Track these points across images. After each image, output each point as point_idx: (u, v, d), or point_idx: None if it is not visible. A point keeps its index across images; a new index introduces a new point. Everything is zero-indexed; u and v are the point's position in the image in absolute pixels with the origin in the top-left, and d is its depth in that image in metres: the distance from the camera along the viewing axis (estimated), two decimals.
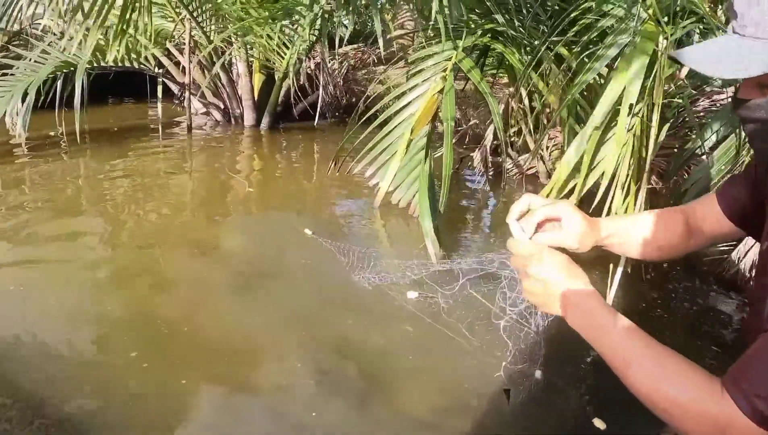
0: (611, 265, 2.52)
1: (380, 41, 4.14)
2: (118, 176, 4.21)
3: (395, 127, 3.45)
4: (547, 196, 2.45)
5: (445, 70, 3.32)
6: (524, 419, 1.97)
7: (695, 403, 0.90)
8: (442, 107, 3.21)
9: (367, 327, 2.43)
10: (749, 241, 3.14)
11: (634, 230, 1.32)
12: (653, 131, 2.38)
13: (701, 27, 2.61)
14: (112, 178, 4.13)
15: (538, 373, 2.14)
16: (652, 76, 2.38)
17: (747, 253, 3.15)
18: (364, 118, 3.61)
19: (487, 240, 3.64)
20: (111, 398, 1.93)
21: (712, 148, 3.12)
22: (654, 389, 0.94)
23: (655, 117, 2.37)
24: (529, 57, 3.23)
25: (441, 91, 3.26)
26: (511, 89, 4.19)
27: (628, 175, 2.48)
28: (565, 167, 2.48)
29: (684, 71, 3.41)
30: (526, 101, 3.72)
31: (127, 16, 4.49)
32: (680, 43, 2.86)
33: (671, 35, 2.38)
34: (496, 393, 2.05)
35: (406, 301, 2.59)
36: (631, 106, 2.40)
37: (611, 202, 2.46)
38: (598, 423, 1.90)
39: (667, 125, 3.12)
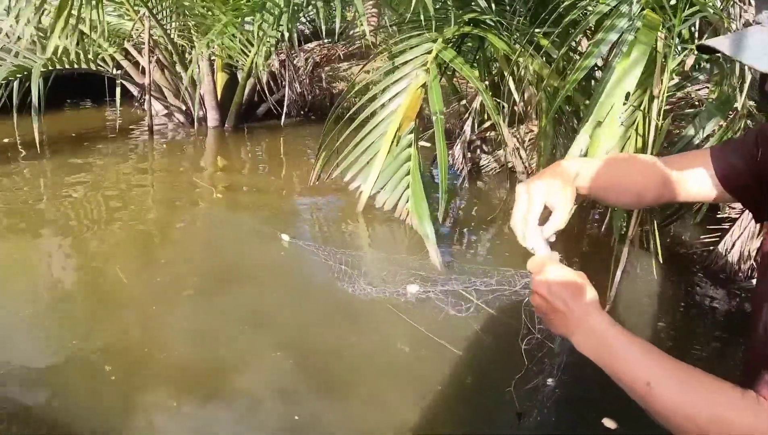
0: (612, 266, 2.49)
1: (367, 31, 4.01)
2: (77, 184, 3.98)
3: (375, 125, 3.32)
4: None
5: (426, 63, 3.21)
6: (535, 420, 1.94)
7: (734, 419, 0.86)
8: (430, 100, 3.10)
9: (357, 336, 2.37)
10: (735, 232, 3.13)
11: (611, 177, 1.25)
12: (653, 124, 2.31)
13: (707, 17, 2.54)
14: (70, 186, 3.91)
15: (550, 381, 2.08)
16: (656, 68, 2.31)
17: (734, 244, 3.13)
18: (345, 118, 3.49)
19: (479, 243, 3.54)
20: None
21: (708, 137, 3.08)
22: (683, 408, 0.89)
23: (655, 110, 2.30)
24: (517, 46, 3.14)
25: (423, 85, 3.14)
26: (486, 82, 4.09)
27: None
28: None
29: (689, 62, 3.36)
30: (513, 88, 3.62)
31: (71, 11, 4.23)
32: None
33: (675, 27, 2.31)
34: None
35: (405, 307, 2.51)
36: (627, 95, 2.32)
37: None
38: (609, 423, 1.88)
39: (669, 117, 3.07)
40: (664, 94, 2.28)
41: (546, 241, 1.13)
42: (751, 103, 2.68)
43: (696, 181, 1.22)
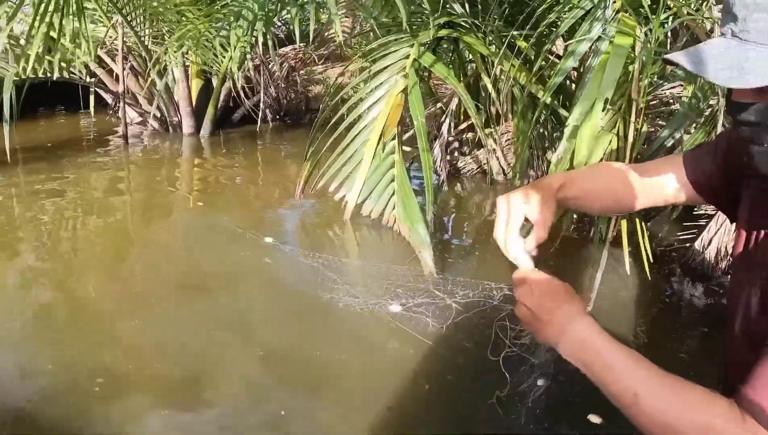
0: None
1: (339, 33, 3.99)
2: (50, 194, 3.92)
3: (358, 133, 3.31)
4: None
5: (404, 69, 3.20)
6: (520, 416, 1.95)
7: (719, 432, 0.86)
8: (410, 106, 3.10)
9: (338, 341, 2.38)
10: (712, 228, 3.17)
11: (585, 184, 1.30)
12: (632, 127, 2.34)
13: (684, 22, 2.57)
14: (44, 198, 3.84)
15: (540, 381, 2.10)
16: (634, 72, 2.34)
17: (711, 241, 3.17)
18: (327, 128, 3.47)
19: (462, 248, 3.54)
20: None
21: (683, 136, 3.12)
22: (669, 419, 0.90)
23: (634, 112, 2.33)
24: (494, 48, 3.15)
25: (403, 91, 3.14)
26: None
27: None
28: (557, 167, 2.41)
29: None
30: (491, 89, 3.63)
31: (51, 20, 4.17)
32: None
33: (653, 31, 2.33)
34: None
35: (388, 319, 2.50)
36: (607, 101, 2.34)
37: None
38: (594, 419, 1.89)
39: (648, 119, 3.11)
40: (644, 96, 2.31)
41: (528, 254, 1.15)
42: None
43: (671, 186, 1.26)
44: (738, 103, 0.94)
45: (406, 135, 3.79)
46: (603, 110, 2.32)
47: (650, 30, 2.38)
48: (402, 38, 3.35)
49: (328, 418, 1.96)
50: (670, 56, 0.95)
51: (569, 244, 3.39)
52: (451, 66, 4.18)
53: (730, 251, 3.10)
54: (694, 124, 3.12)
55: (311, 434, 1.90)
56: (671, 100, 3.89)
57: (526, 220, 1.17)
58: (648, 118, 3.43)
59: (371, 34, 4.31)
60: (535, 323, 1.06)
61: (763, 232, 1.05)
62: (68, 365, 2.16)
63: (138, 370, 2.15)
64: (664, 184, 1.27)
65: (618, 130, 2.44)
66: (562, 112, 3.15)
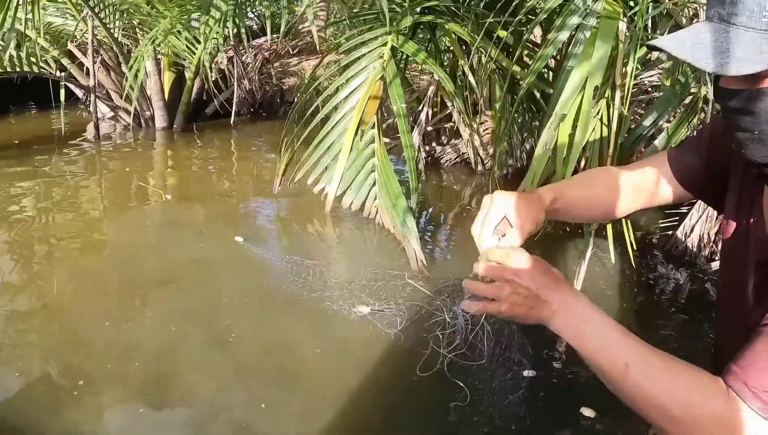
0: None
1: (313, 24, 3.91)
2: (19, 193, 3.79)
3: (335, 123, 3.24)
4: (531, 183, 2.33)
5: (382, 56, 3.13)
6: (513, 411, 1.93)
7: (703, 405, 0.88)
8: (390, 94, 3.03)
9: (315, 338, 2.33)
10: (693, 215, 3.16)
11: (576, 194, 1.31)
12: (616, 113, 2.29)
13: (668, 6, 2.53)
14: (12, 196, 3.73)
15: (529, 372, 2.07)
16: (618, 58, 2.29)
17: (693, 228, 3.16)
18: (304, 119, 3.39)
19: (443, 239, 3.50)
20: None
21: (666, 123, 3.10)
22: (657, 392, 0.91)
23: (618, 99, 2.29)
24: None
25: (381, 79, 3.07)
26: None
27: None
28: (540, 156, 2.35)
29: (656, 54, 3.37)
30: (471, 77, 3.57)
31: (15, 13, 4.04)
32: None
33: (641, 15, 2.29)
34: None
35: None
36: (596, 89, 2.29)
37: None
38: (587, 412, 1.88)
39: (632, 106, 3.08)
40: (630, 83, 2.27)
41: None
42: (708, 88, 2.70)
43: (659, 187, 1.28)
44: (726, 89, 0.91)
45: (384, 124, 3.73)
46: (594, 97, 2.28)
47: (634, 15, 2.33)
48: (379, 25, 3.28)
49: (301, 413, 1.92)
50: (656, 42, 0.91)
51: (553, 235, 3.37)
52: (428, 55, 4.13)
53: (712, 238, 3.10)
54: (674, 112, 3.11)
55: (282, 429, 1.86)
56: (649, 89, 3.89)
57: (509, 223, 1.15)
58: (630, 105, 3.41)
59: (346, 24, 4.25)
60: (530, 301, 1.03)
61: (752, 219, 1.05)
62: (36, 364, 2.10)
63: (107, 368, 2.09)
64: (652, 186, 1.28)
65: (601, 117, 2.40)
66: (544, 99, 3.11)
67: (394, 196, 3.01)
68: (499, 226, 1.13)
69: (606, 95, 2.37)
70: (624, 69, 2.31)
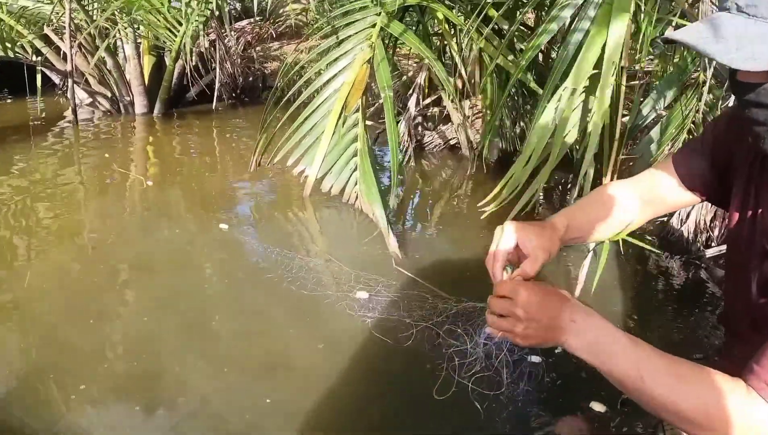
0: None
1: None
2: None
3: (319, 105, 3.12)
4: (525, 164, 2.24)
5: (370, 38, 3.02)
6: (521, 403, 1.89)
7: (723, 407, 0.88)
8: (377, 77, 2.91)
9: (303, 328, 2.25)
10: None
11: (588, 217, 1.32)
12: (622, 94, 2.22)
13: None
14: None
15: (535, 358, 2.03)
16: (625, 37, 2.20)
17: (688, 215, 3.10)
18: (285, 98, 3.29)
19: (429, 228, 3.39)
20: None
21: (667, 108, 3.03)
22: (675, 398, 0.92)
23: (624, 80, 2.20)
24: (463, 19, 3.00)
25: (368, 61, 2.96)
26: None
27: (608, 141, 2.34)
28: (539, 131, 2.26)
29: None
30: (459, 62, 3.47)
31: None
32: None
33: None
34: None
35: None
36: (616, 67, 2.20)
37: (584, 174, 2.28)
38: (597, 406, 1.85)
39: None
40: (643, 61, 2.19)
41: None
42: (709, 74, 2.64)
43: (668, 194, 1.30)
44: (745, 83, 0.90)
45: (370, 109, 3.64)
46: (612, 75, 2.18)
47: None
48: (367, 6, 3.17)
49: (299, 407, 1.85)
50: (672, 34, 0.90)
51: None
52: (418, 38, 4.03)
53: (708, 224, 3.05)
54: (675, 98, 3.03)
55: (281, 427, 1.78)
56: (643, 75, 3.81)
57: (520, 252, 1.16)
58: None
59: (329, 5, 4.13)
60: (540, 332, 1.04)
61: (759, 210, 1.07)
62: (12, 359, 2.01)
63: (89, 364, 2.00)
64: (661, 196, 1.31)
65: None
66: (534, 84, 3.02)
67: (370, 188, 2.91)
68: (512, 256, 1.14)
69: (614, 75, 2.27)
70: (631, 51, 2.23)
